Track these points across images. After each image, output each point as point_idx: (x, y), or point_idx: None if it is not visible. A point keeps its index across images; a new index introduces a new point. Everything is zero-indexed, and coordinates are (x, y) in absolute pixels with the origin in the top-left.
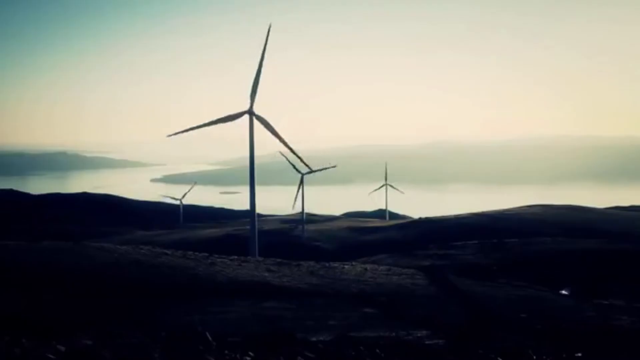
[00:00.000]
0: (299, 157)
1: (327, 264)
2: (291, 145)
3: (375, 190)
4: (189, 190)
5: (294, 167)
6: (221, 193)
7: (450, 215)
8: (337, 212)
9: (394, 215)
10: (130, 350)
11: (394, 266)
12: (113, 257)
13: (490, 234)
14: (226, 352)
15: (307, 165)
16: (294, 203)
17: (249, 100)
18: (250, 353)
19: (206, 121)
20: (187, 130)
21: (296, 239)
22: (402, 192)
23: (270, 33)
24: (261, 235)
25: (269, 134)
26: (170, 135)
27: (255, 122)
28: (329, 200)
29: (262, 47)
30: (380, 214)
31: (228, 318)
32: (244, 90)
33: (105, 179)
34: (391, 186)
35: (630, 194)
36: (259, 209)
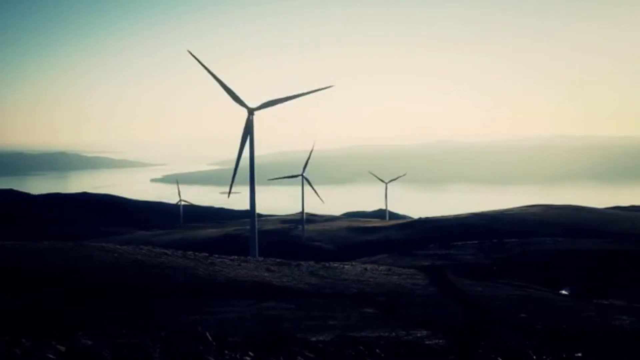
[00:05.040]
0: (315, 90)
1: (327, 264)
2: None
3: (385, 195)
4: (179, 191)
5: (290, 176)
6: (221, 193)
7: (450, 215)
8: (337, 212)
9: (394, 215)
10: (130, 350)
11: (394, 266)
12: (113, 257)
13: (490, 234)
14: (226, 352)
15: (326, 87)
16: (319, 198)
17: (240, 106)
18: (250, 353)
19: (236, 155)
20: (233, 179)
21: (296, 239)
22: (404, 174)
23: (195, 56)
24: (261, 235)
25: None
26: (229, 196)
27: (257, 120)
28: (329, 200)
29: (202, 67)
30: (380, 214)
31: (228, 318)
32: (244, 90)
33: (105, 179)
34: (392, 180)
35: (630, 194)
36: (259, 209)
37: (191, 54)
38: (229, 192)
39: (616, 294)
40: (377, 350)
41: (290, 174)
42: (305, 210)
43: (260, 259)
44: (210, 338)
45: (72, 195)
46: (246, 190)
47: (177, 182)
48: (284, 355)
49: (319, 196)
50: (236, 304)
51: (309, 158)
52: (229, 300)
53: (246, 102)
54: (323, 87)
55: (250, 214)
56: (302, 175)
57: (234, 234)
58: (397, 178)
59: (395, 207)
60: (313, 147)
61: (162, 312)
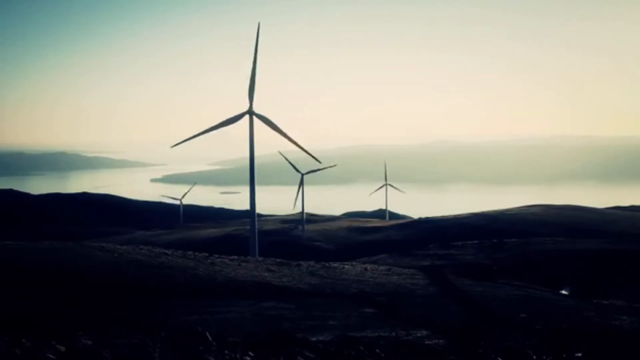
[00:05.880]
0: (307, 152)
1: (327, 264)
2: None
3: (376, 190)
4: (188, 191)
5: (294, 167)
6: (221, 193)
7: (450, 215)
8: (337, 212)
9: (394, 215)
10: (130, 350)
11: (394, 266)
12: (113, 257)
13: (490, 234)
14: (226, 352)
15: (316, 159)
16: (295, 203)
17: (247, 101)
18: (250, 353)
19: (208, 127)
20: (190, 139)
21: (296, 239)
22: (403, 192)
23: (260, 32)
24: (261, 235)
25: (269, 134)
26: (174, 146)
27: (256, 121)
28: (329, 200)
29: (254, 47)
30: (380, 214)
31: (228, 318)
32: (244, 90)
33: (105, 179)
34: (391, 186)
35: (630, 194)
36: (259, 209)
37: (258, 28)
38: (178, 144)
39: (616, 294)
40: (377, 350)
41: (296, 168)
42: (305, 210)
43: (260, 259)
44: (210, 338)
45: (72, 195)
46: (246, 190)
47: (195, 184)
48: (284, 355)
49: (294, 203)
50: (236, 304)
51: (322, 169)
52: (229, 300)
53: (253, 103)
54: (317, 157)
55: (250, 214)
56: (302, 174)
57: (234, 234)
58: (396, 188)
59: (395, 207)
60: (334, 165)
61: (162, 312)
